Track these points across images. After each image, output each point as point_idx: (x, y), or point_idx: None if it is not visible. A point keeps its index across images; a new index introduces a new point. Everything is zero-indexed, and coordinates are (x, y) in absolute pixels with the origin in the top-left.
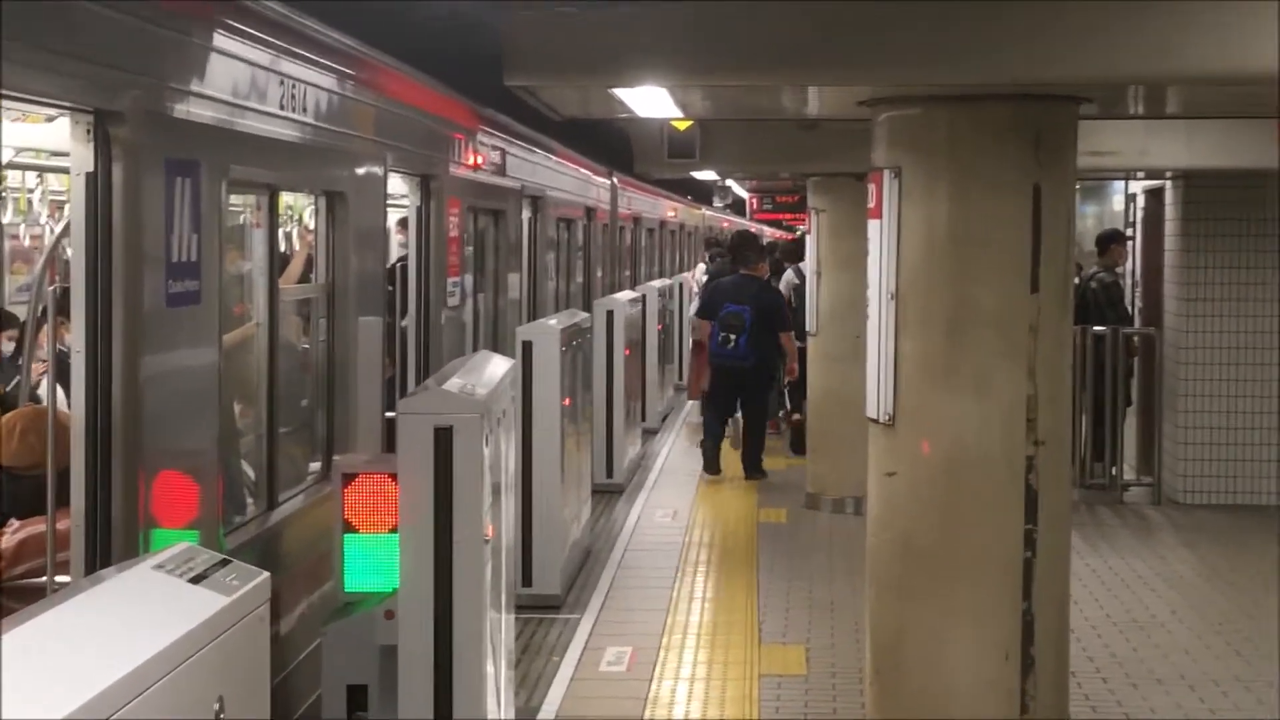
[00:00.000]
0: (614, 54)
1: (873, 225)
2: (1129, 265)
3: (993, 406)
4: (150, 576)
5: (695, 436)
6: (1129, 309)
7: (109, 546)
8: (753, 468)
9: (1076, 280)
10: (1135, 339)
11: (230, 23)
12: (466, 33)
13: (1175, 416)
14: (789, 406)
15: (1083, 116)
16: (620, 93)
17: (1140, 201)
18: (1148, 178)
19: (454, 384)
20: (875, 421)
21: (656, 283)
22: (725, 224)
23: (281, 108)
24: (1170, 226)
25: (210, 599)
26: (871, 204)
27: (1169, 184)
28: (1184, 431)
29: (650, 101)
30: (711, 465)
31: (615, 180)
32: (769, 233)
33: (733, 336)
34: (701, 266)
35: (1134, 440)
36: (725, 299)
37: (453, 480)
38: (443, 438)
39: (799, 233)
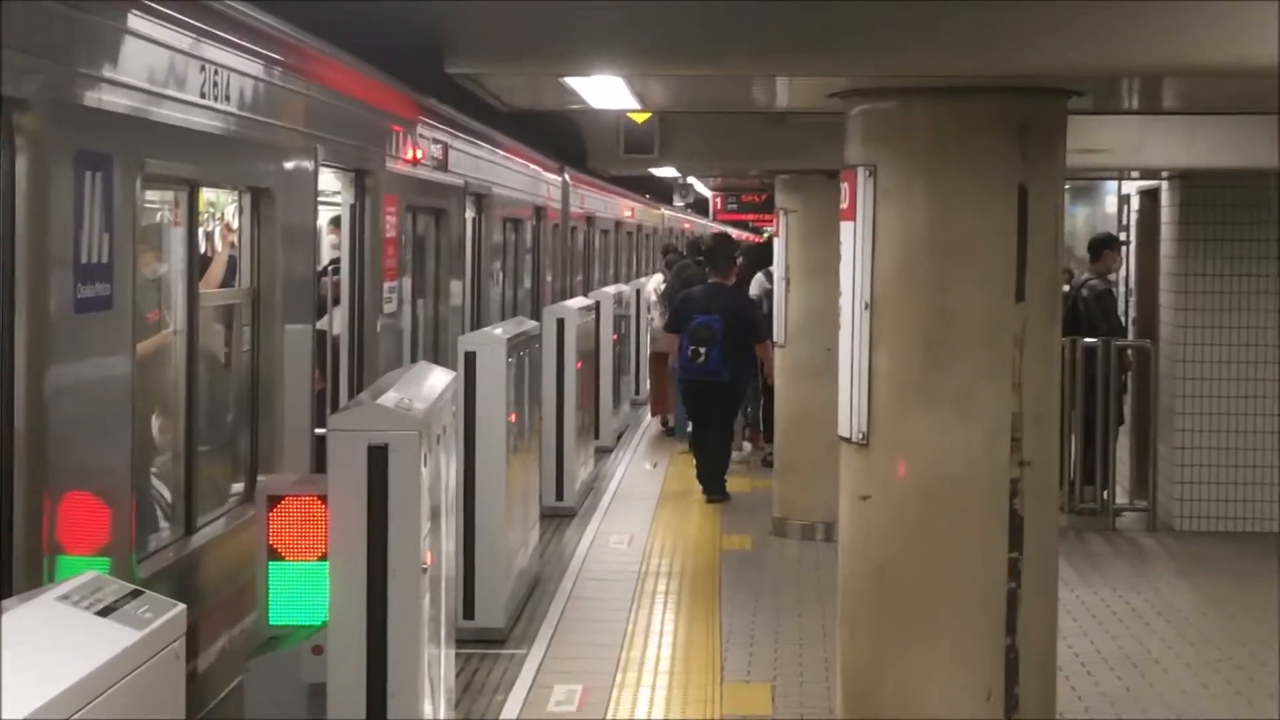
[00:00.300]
0: (565, 39)
1: (845, 228)
2: (1122, 272)
3: (974, 425)
4: (54, 609)
5: (654, 454)
6: (1122, 319)
7: (9, 575)
8: (716, 487)
9: (1066, 288)
10: (1129, 352)
11: (147, 3)
12: (405, 15)
13: (1171, 436)
14: (760, 427)
15: (1073, 111)
16: (572, 82)
17: (1134, 203)
18: (1143, 177)
19: (390, 398)
20: (848, 441)
21: (612, 289)
22: (687, 225)
23: (202, 96)
24: (1167, 230)
25: (120, 633)
26: (844, 204)
27: (1165, 184)
28: (1181, 452)
29: (605, 91)
30: (717, 491)
31: (567, 177)
32: (733, 235)
33: (702, 350)
34: (659, 276)
35: (1127, 462)
36: (695, 309)
37: (388, 503)
38: (377, 457)
39: (765, 235)
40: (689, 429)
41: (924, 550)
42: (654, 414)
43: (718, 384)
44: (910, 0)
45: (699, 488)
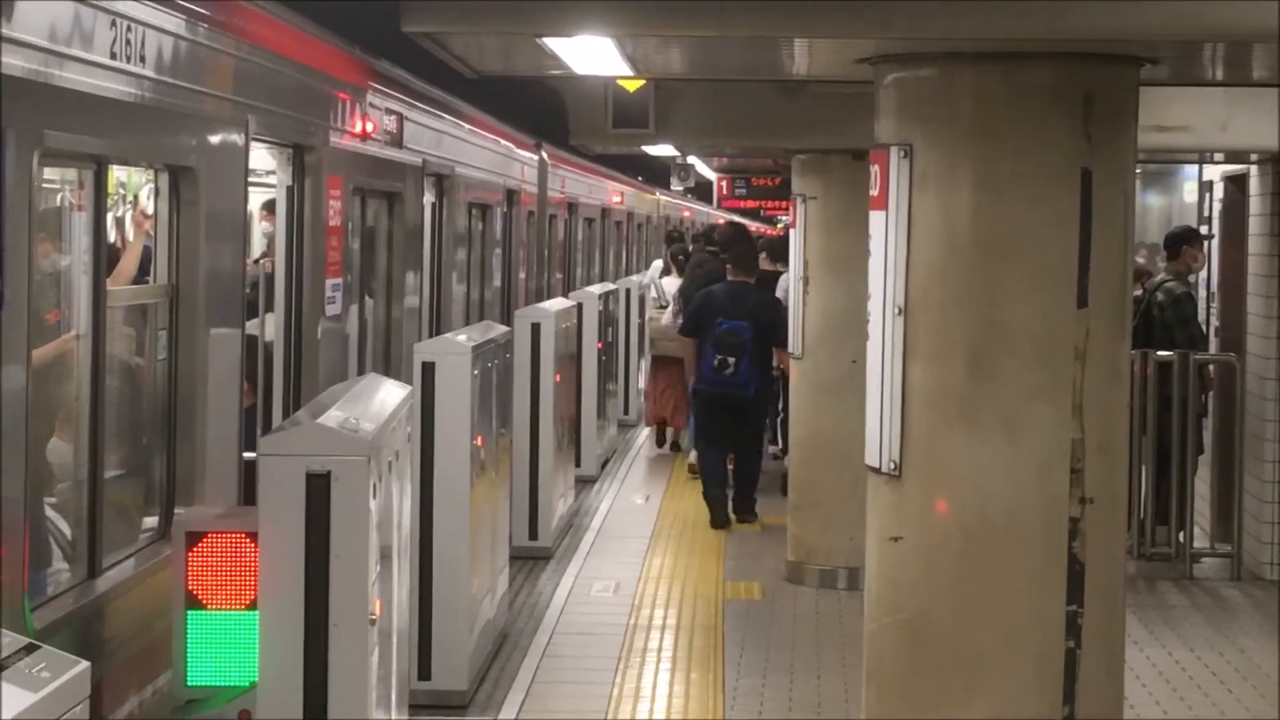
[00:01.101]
0: None
1: (875, 218)
2: (1203, 273)
3: (1027, 454)
4: None
5: (647, 485)
6: (1203, 328)
7: None
8: (745, 509)
9: (1138, 292)
10: (1210, 368)
11: None
12: None
13: (1260, 468)
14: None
15: (1145, 81)
16: (553, 43)
17: (1218, 191)
18: (1228, 160)
19: (333, 417)
20: (877, 472)
21: (597, 288)
22: (686, 213)
23: (113, 57)
24: (1256, 223)
25: (13, 696)
26: (874, 191)
27: (1255, 169)
28: (1271, 487)
29: (591, 55)
30: (720, 518)
31: (545, 155)
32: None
33: (731, 360)
34: (658, 264)
35: (1208, 498)
36: (718, 313)
37: (329, 541)
38: (317, 487)
39: (780, 225)
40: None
41: (965, 601)
42: (649, 424)
43: (746, 398)
44: None
45: (697, 525)
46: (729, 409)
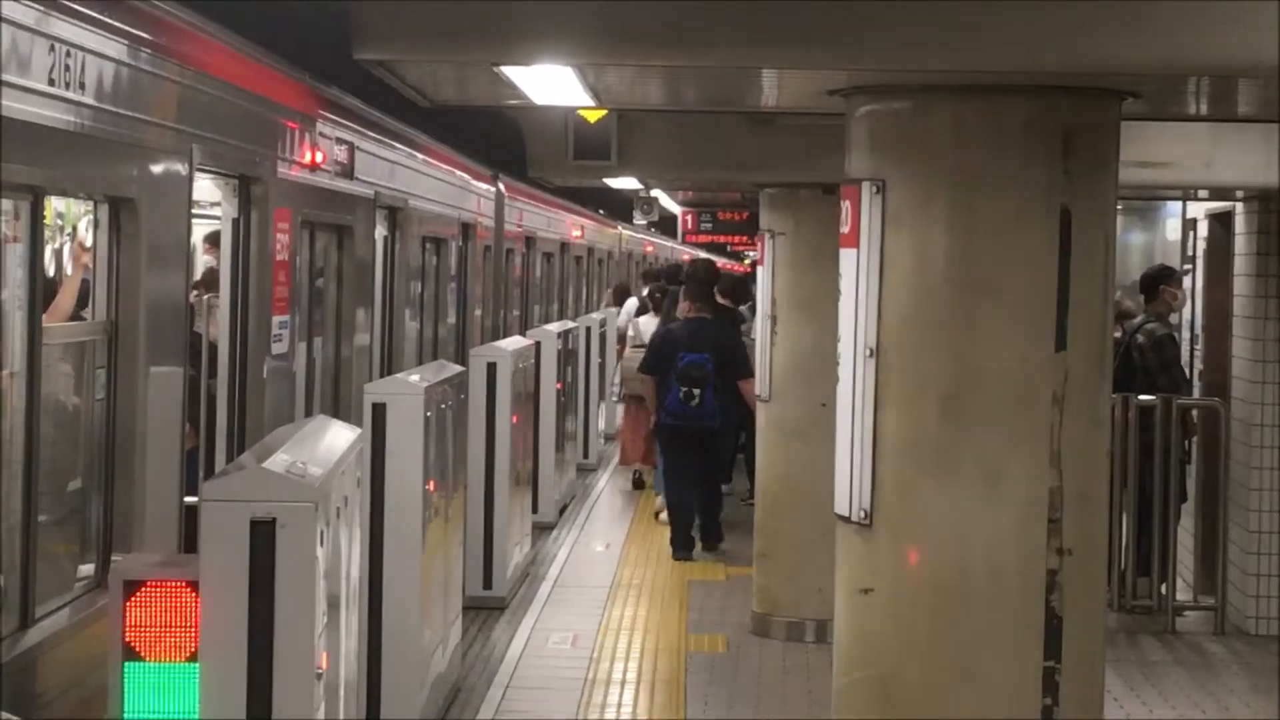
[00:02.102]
0: (503, 20)
1: (846, 256)
2: (1186, 313)
3: (1003, 503)
4: None
5: (608, 531)
6: (1185, 372)
7: None
8: (711, 537)
9: (1118, 333)
10: (1194, 413)
11: None
12: None
13: (1245, 517)
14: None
15: (1126, 116)
16: (510, 72)
17: (1202, 229)
18: (1213, 198)
19: (279, 461)
20: (846, 520)
21: (555, 325)
22: (649, 248)
23: (51, 83)
24: (1241, 263)
25: None
26: (845, 228)
27: (1240, 206)
28: (1257, 538)
29: (550, 85)
30: (683, 545)
31: (502, 187)
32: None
33: (696, 392)
34: (633, 303)
35: (1191, 549)
36: (679, 348)
37: (274, 591)
38: (262, 534)
39: (748, 261)
40: (663, 486)
41: (938, 656)
42: (624, 463)
43: (711, 429)
44: None
45: (659, 573)
46: (695, 441)
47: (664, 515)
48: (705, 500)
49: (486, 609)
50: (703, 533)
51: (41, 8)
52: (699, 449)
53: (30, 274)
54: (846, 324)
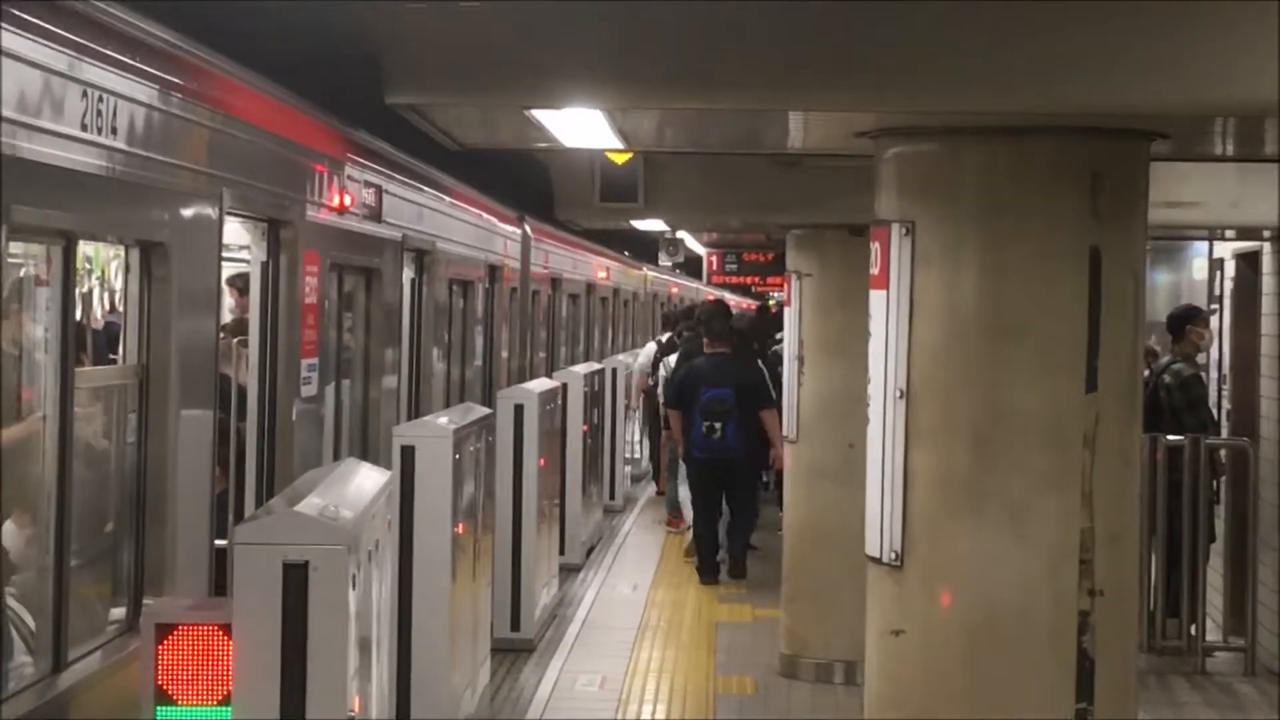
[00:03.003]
0: (534, 64)
1: (876, 298)
2: (1214, 353)
3: (1034, 544)
4: None
5: (635, 573)
6: (1213, 412)
7: None
8: (737, 568)
9: (1145, 373)
10: (1222, 453)
11: (13, 12)
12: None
13: (1275, 558)
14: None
15: (1155, 157)
16: (541, 116)
17: (1229, 269)
18: (1240, 237)
19: (310, 504)
20: (877, 562)
21: (582, 367)
22: (674, 289)
23: (84, 128)
24: (1269, 302)
25: None
26: (875, 269)
27: (1267, 246)
28: None
29: (580, 128)
30: (710, 570)
31: (528, 229)
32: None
33: (718, 425)
34: (653, 346)
35: (1220, 589)
36: (702, 383)
37: (307, 635)
38: (295, 577)
39: (771, 301)
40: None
41: (970, 698)
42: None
43: (735, 460)
44: (956, 22)
45: (687, 615)
46: (719, 472)
47: (687, 550)
48: (734, 532)
49: (514, 651)
50: (730, 561)
51: (74, 53)
52: (722, 479)
53: (62, 318)
54: (876, 365)
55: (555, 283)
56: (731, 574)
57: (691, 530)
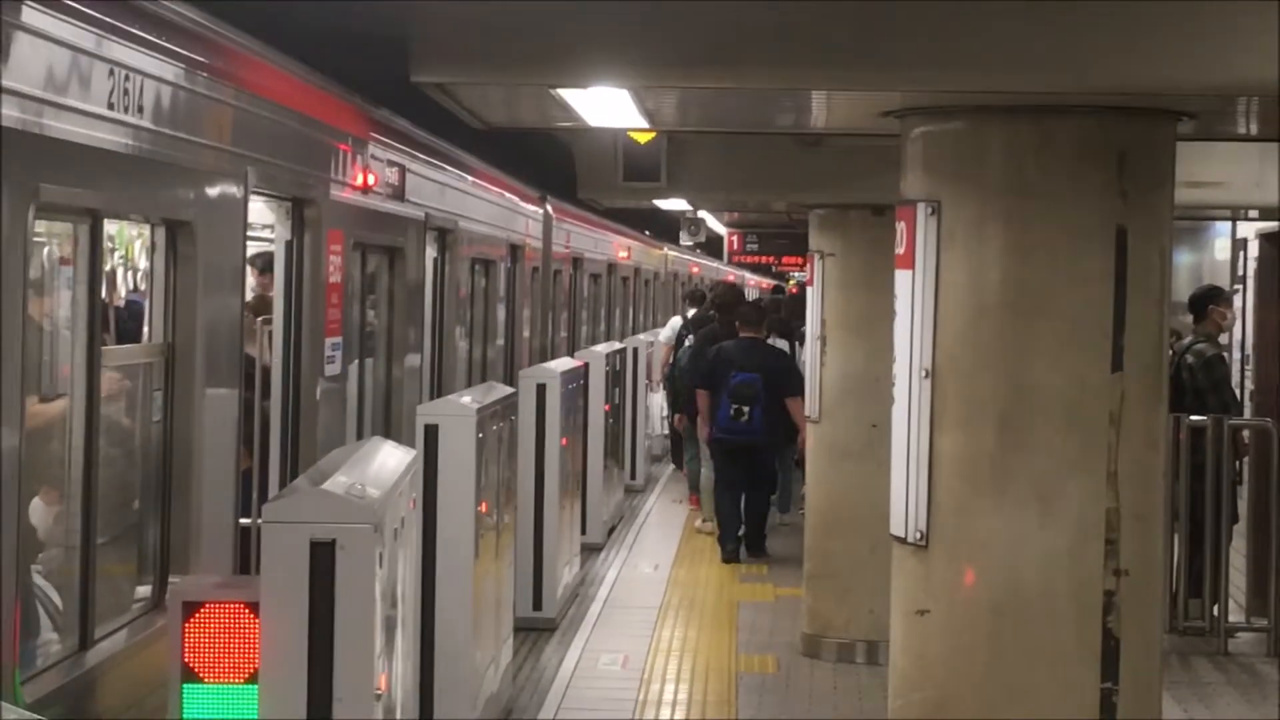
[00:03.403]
0: (560, 43)
1: (901, 278)
2: (1236, 333)
3: (1060, 524)
4: None
5: (656, 553)
6: (1235, 392)
7: None
8: (757, 547)
9: (1170, 353)
10: (1245, 433)
11: None
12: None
13: None
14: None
15: (1180, 137)
16: (566, 95)
17: (1253, 249)
18: (1263, 217)
19: (337, 482)
20: (902, 542)
21: (603, 347)
22: (694, 269)
23: (111, 106)
24: None
25: None
26: (900, 249)
27: None
28: None
29: (606, 107)
30: (731, 550)
31: (550, 208)
32: (750, 282)
33: (745, 409)
34: (676, 321)
35: (1243, 569)
36: (732, 366)
37: (334, 613)
38: (322, 555)
39: (792, 282)
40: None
41: (995, 678)
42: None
43: (761, 444)
44: (985, 3)
45: (708, 594)
46: (744, 454)
47: (699, 524)
48: (750, 510)
49: (537, 630)
50: (748, 541)
51: (100, 32)
52: (745, 462)
53: (89, 297)
54: (902, 345)
55: (577, 262)
56: (751, 551)
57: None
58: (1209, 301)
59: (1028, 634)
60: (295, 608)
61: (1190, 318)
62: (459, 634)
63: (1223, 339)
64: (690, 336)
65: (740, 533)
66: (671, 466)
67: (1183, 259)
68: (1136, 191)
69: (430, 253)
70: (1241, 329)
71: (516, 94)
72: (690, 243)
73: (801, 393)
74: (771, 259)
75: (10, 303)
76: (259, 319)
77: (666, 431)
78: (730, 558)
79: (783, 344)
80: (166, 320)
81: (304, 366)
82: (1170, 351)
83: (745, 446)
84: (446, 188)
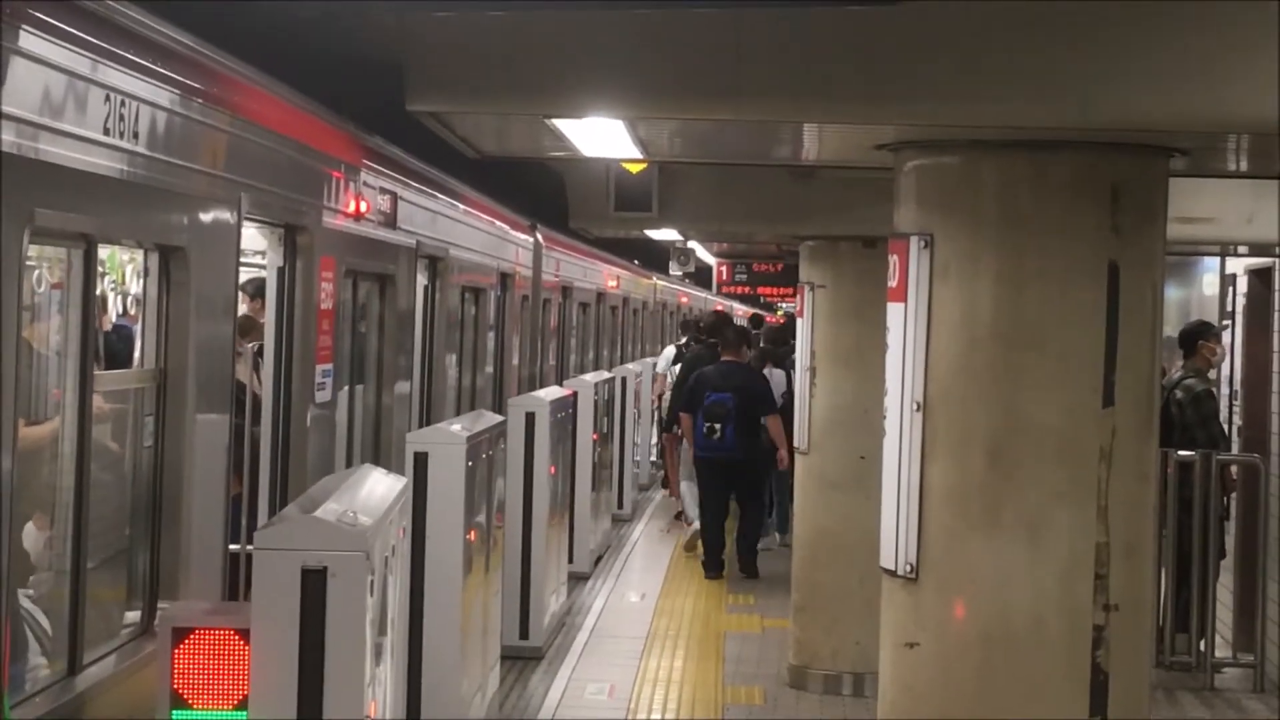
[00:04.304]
0: (556, 73)
1: (893, 310)
2: (1224, 369)
3: (1050, 558)
4: None
5: (643, 582)
6: (1224, 428)
7: None
8: (746, 565)
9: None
10: (1233, 468)
11: (36, 15)
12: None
13: None
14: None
15: (1173, 173)
16: (561, 125)
17: (1241, 285)
18: (1253, 253)
19: (329, 510)
20: (892, 574)
21: (591, 376)
22: (683, 298)
23: (106, 132)
24: None
25: None
26: (893, 282)
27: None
28: None
29: (599, 137)
30: (714, 566)
31: (540, 237)
32: (738, 312)
33: (717, 426)
34: (671, 351)
35: (1230, 605)
36: (708, 388)
37: (324, 640)
38: (313, 582)
39: (780, 311)
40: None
41: (984, 711)
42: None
43: (735, 460)
44: (975, 35)
45: (695, 624)
46: (721, 471)
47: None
48: (741, 528)
49: (523, 658)
50: (739, 559)
51: (95, 57)
52: (725, 479)
53: (82, 322)
54: (893, 377)
55: (566, 291)
56: (743, 571)
57: (694, 528)
58: (1199, 337)
59: (1017, 667)
60: (286, 634)
61: (1179, 353)
62: (446, 661)
63: (1211, 374)
64: (672, 367)
65: (725, 552)
66: (660, 494)
67: (1172, 294)
68: (1129, 226)
69: (421, 280)
70: (1230, 364)
71: (511, 123)
72: (680, 272)
73: (775, 411)
74: (762, 290)
75: (6, 328)
76: (251, 345)
77: (654, 458)
78: (713, 575)
79: (779, 374)
80: (159, 345)
81: (294, 393)
82: (1161, 386)
83: (721, 462)
84: (438, 215)
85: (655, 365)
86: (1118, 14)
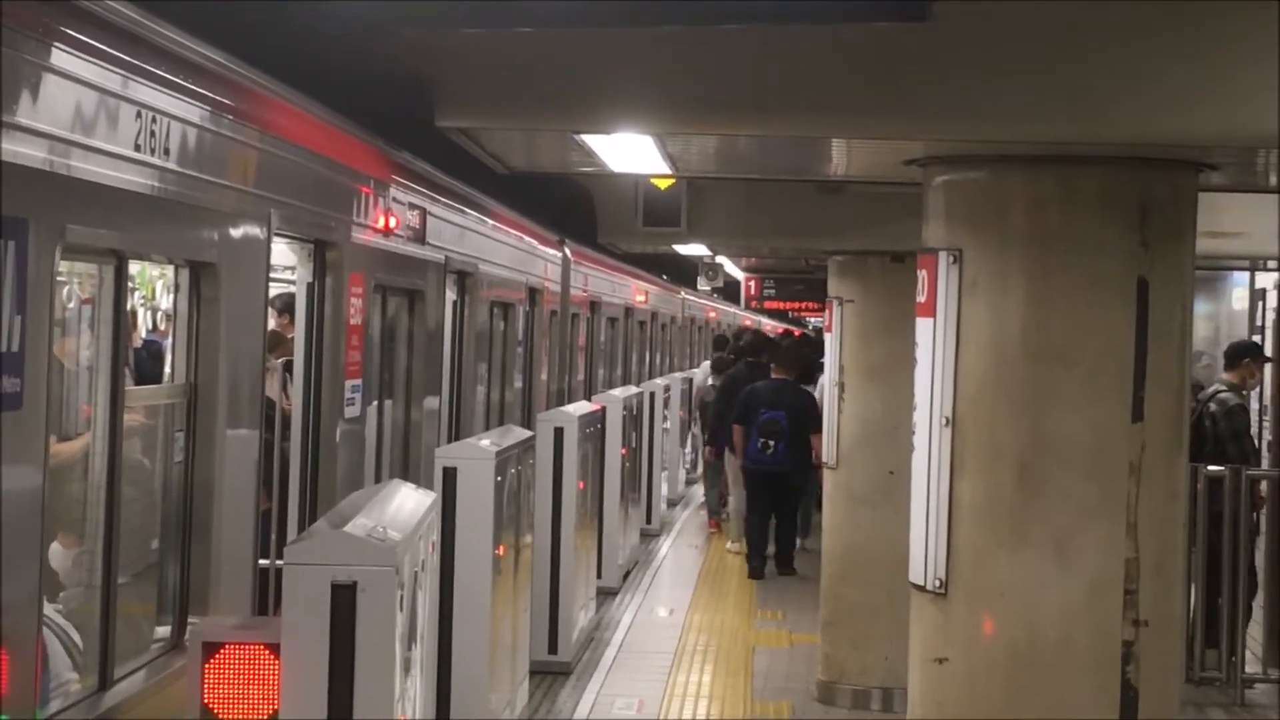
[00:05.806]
0: (586, 89)
1: (922, 325)
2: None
3: (1079, 574)
4: None
5: (671, 597)
6: (1255, 442)
7: None
8: (785, 564)
9: (1192, 403)
10: (1262, 484)
11: (69, 32)
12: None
13: None
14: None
15: (1203, 188)
16: (590, 141)
17: (1271, 299)
18: None
19: (358, 525)
20: (921, 589)
21: (620, 391)
22: (711, 313)
23: (137, 148)
24: None
25: None
26: (922, 297)
27: None
28: None
29: (628, 153)
30: (757, 570)
31: (568, 252)
32: (766, 326)
33: (771, 443)
34: (707, 365)
35: (1261, 620)
36: (761, 404)
37: (355, 655)
38: (343, 597)
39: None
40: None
41: None
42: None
43: (784, 472)
44: (1005, 49)
45: (724, 639)
46: (770, 482)
47: (729, 546)
48: (780, 531)
49: (552, 674)
50: (778, 559)
51: (126, 74)
52: (771, 488)
53: (113, 337)
54: (922, 392)
55: (594, 306)
56: (780, 569)
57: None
58: (1246, 354)
59: (1047, 683)
60: (316, 649)
61: (1221, 368)
62: (475, 676)
63: (1245, 393)
64: (713, 377)
65: (769, 552)
66: (688, 509)
67: (1200, 309)
68: (1158, 242)
69: (450, 295)
70: (1261, 379)
71: (540, 139)
72: (708, 287)
73: (820, 428)
74: (790, 304)
75: (37, 343)
76: (280, 360)
77: (688, 463)
78: (755, 574)
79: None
80: (189, 361)
81: (324, 408)
82: (1193, 401)
83: (770, 474)
84: (467, 231)
85: (694, 380)
86: (1143, 29)
